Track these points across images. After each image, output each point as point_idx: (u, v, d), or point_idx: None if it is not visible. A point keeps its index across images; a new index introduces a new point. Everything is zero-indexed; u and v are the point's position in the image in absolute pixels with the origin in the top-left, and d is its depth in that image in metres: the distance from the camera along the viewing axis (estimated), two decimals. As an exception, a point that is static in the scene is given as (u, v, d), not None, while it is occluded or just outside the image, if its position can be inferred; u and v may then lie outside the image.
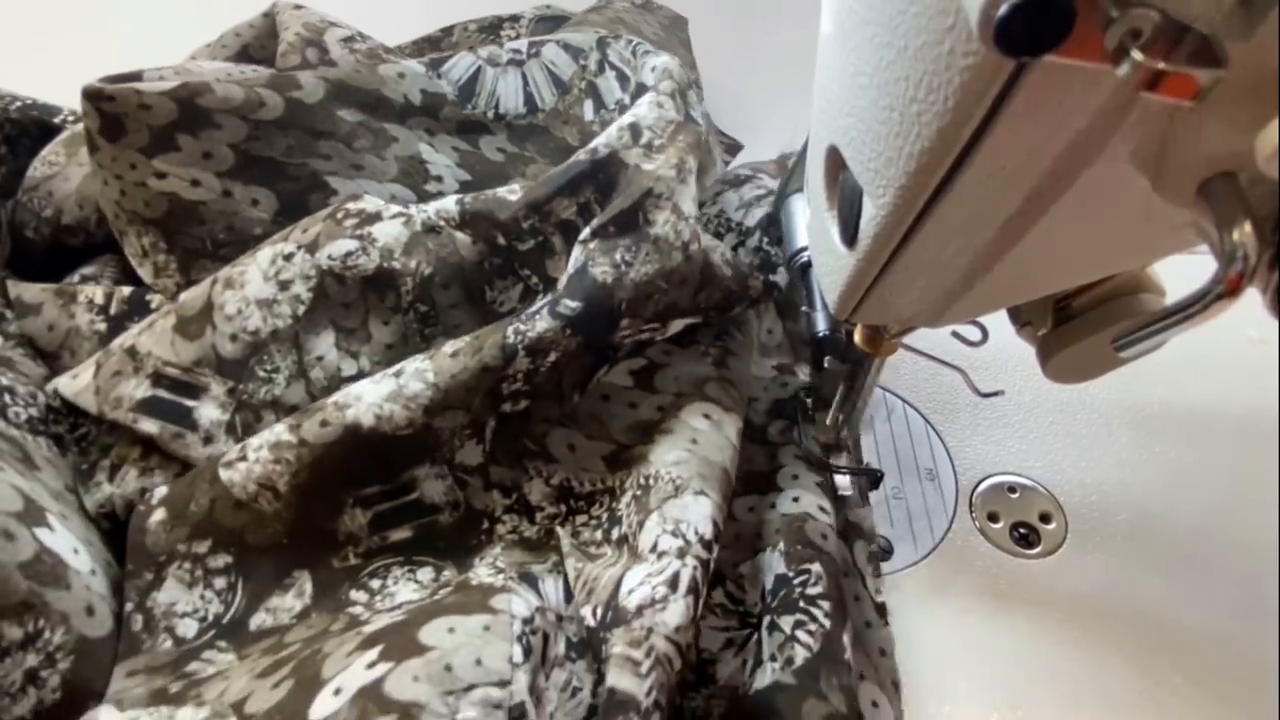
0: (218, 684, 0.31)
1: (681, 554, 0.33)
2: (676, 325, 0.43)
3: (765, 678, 0.34)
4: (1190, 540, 0.42)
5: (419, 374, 0.37)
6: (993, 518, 0.43)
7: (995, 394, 0.45)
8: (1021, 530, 0.42)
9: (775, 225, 0.50)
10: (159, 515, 0.36)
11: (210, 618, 0.35)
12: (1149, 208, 0.19)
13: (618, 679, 0.30)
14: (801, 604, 0.35)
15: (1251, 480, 0.44)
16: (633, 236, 0.39)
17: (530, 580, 0.35)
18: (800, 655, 0.34)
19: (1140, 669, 0.37)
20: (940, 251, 0.24)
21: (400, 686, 0.27)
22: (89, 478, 0.38)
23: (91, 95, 0.40)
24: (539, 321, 0.37)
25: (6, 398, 0.38)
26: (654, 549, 0.34)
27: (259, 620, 0.35)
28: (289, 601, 0.36)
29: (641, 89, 0.50)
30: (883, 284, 0.27)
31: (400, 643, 0.29)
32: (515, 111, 0.52)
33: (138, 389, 0.38)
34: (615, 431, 0.42)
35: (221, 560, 0.36)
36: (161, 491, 0.37)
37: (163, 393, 0.39)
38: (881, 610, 0.39)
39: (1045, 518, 0.43)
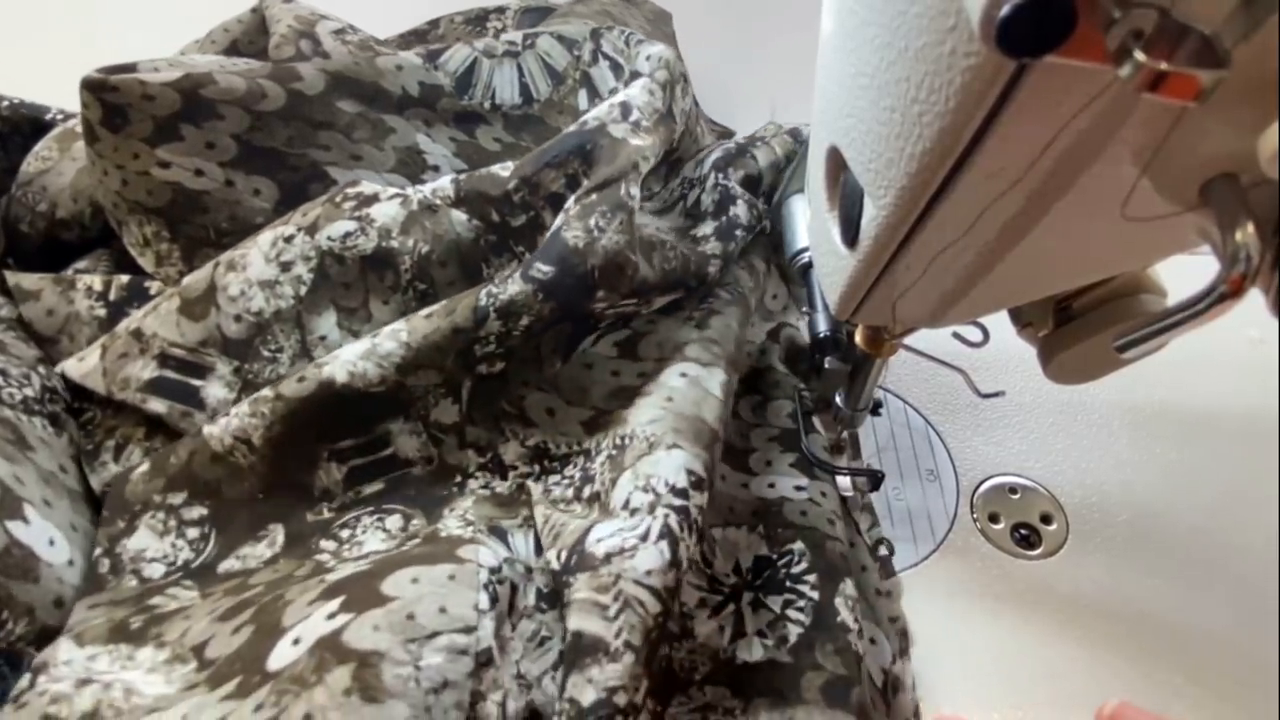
0: (179, 623, 0.32)
1: (652, 508, 0.33)
2: (660, 300, 0.44)
3: (755, 652, 0.35)
4: (1190, 540, 0.42)
5: (393, 333, 0.38)
6: (993, 518, 0.43)
7: (996, 395, 0.45)
8: (1022, 531, 0.42)
9: (729, 164, 0.51)
10: (142, 468, 0.37)
11: (179, 563, 0.36)
12: (1150, 209, 0.19)
13: (583, 622, 0.30)
14: (788, 584, 0.36)
15: (1251, 480, 0.44)
16: (610, 204, 0.40)
17: (499, 534, 0.35)
18: (794, 633, 0.35)
19: (1140, 669, 0.37)
20: (941, 252, 0.24)
21: (360, 636, 0.27)
22: (94, 458, 0.39)
23: (94, 86, 0.40)
24: (511, 285, 0.38)
25: (0, 380, 0.38)
26: (626, 505, 0.34)
27: (227, 565, 0.36)
28: (260, 550, 0.37)
29: (636, 77, 0.50)
30: (883, 284, 0.27)
31: (362, 594, 0.29)
32: (511, 102, 0.53)
33: (144, 370, 0.39)
34: (596, 398, 0.42)
35: (196, 512, 0.37)
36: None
37: (169, 373, 0.39)
38: (875, 550, 0.41)
39: (1046, 518, 0.43)
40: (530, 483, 0.39)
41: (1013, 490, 0.44)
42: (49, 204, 0.46)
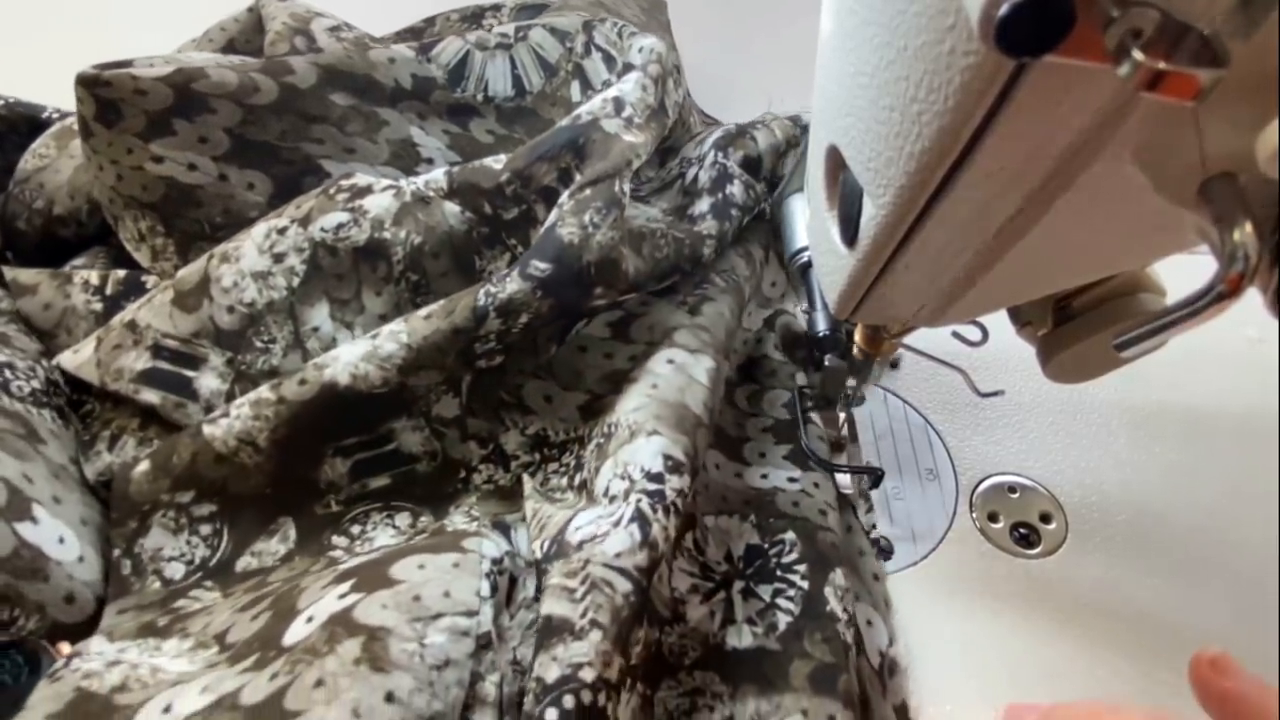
0: (202, 618, 0.33)
1: (627, 494, 0.34)
2: (655, 287, 0.44)
3: (745, 639, 0.35)
4: (1190, 539, 0.42)
5: (393, 335, 0.38)
6: (993, 518, 0.43)
7: (995, 394, 0.45)
8: (1022, 530, 0.42)
9: (729, 144, 0.51)
10: (142, 467, 0.37)
11: (197, 561, 0.36)
12: (1149, 208, 0.19)
13: (553, 606, 0.30)
14: (779, 573, 0.37)
15: (1251, 480, 0.44)
16: (605, 200, 0.40)
17: (503, 528, 0.36)
18: (783, 621, 0.35)
19: (1140, 669, 0.37)
20: (941, 251, 0.24)
21: (369, 613, 0.28)
22: (90, 447, 0.39)
23: (87, 81, 0.41)
24: (510, 283, 0.38)
25: (7, 373, 0.38)
26: (606, 493, 0.34)
27: (244, 563, 0.37)
28: (274, 546, 0.37)
29: (629, 69, 0.50)
30: (883, 284, 0.27)
31: (372, 576, 0.30)
32: (504, 95, 0.54)
33: (138, 361, 0.40)
34: (590, 381, 0.43)
35: (206, 509, 0.37)
36: (147, 451, 0.38)
37: (162, 364, 0.40)
38: (869, 532, 0.42)
39: (1045, 518, 0.43)
40: (526, 475, 0.40)
41: (1012, 489, 0.44)
42: (46, 201, 0.46)
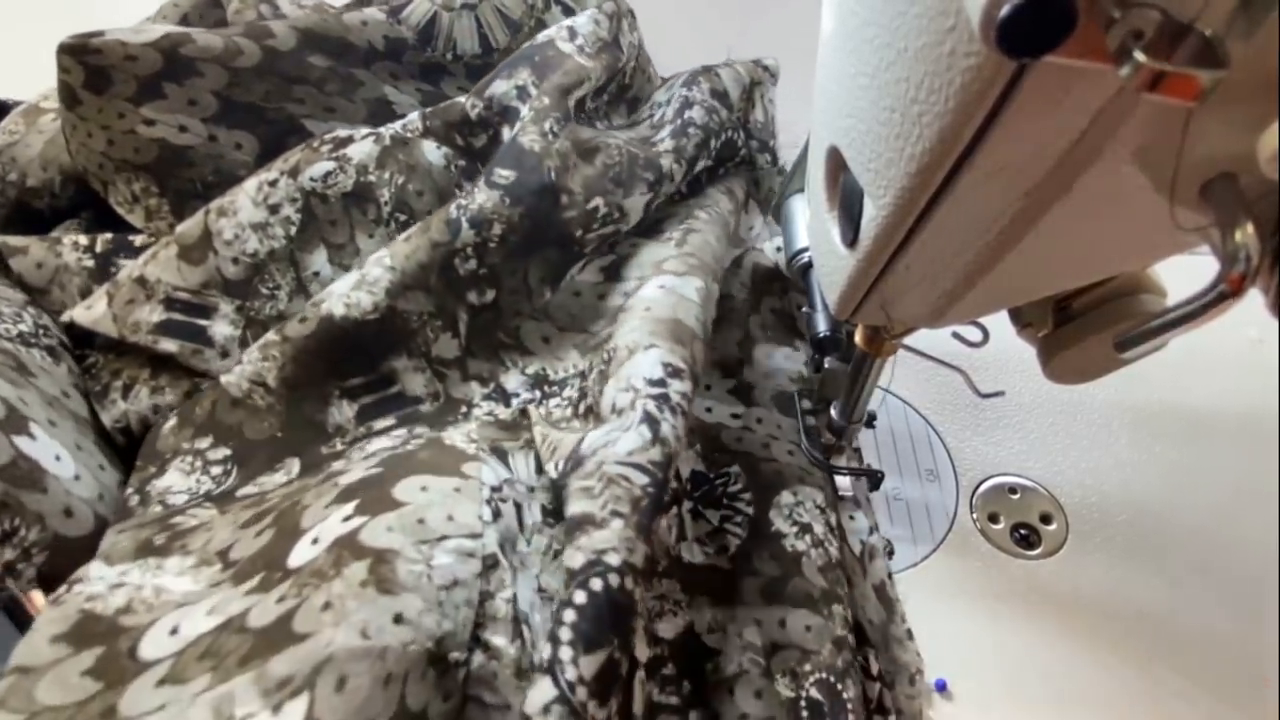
0: (201, 534, 0.33)
1: (633, 404, 0.35)
2: (634, 208, 0.45)
3: (696, 556, 0.37)
4: (1190, 540, 0.42)
5: (377, 260, 0.41)
6: (993, 518, 0.43)
7: (995, 395, 0.45)
8: (1022, 531, 0.42)
9: (694, 82, 0.53)
10: (171, 422, 0.39)
11: (201, 492, 0.37)
12: (1149, 208, 0.19)
13: (574, 506, 0.31)
14: (725, 500, 0.39)
15: (1251, 480, 0.44)
16: (562, 111, 0.42)
17: (501, 454, 0.36)
18: (733, 544, 0.38)
19: (1140, 669, 0.37)
20: (941, 252, 0.24)
21: (374, 535, 0.28)
22: (104, 396, 0.40)
23: (74, 50, 0.41)
24: (478, 194, 0.41)
25: None
26: (614, 408, 0.35)
27: (245, 491, 0.38)
28: (277, 479, 0.38)
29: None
30: (883, 284, 0.27)
31: (375, 497, 0.30)
32: (472, 52, 0.56)
33: (152, 313, 0.41)
34: (587, 322, 0.45)
35: (221, 453, 0.39)
36: (177, 408, 0.40)
37: (176, 315, 0.41)
38: (861, 470, 0.43)
39: (1046, 518, 0.43)
40: (531, 408, 0.41)
41: (1012, 490, 0.44)
42: (19, 173, 0.47)
